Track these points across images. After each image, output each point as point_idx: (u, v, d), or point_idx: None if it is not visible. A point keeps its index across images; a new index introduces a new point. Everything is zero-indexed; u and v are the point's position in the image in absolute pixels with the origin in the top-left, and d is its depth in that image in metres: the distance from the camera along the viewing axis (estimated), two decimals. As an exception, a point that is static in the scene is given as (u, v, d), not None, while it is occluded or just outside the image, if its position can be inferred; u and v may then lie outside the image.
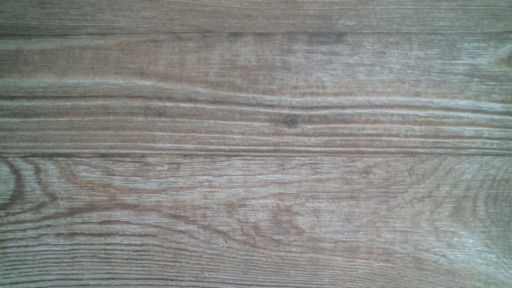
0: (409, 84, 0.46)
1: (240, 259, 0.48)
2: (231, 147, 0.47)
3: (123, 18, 0.47)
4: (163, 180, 0.47)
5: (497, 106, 0.46)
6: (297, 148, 0.47)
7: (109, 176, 0.47)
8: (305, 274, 0.48)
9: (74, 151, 0.47)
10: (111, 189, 0.48)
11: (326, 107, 0.47)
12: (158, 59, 0.47)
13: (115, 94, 0.47)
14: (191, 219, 0.48)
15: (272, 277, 0.48)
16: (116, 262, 0.48)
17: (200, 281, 0.48)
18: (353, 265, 0.47)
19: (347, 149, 0.47)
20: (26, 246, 0.48)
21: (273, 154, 0.47)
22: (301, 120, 0.47)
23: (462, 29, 0.46)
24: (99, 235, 0.48)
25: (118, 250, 0.48)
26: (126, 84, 0.47)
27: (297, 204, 0.47)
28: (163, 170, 0.47)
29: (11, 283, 0.48)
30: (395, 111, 0.46)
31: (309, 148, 0.47)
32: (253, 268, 0.48)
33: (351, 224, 0.47)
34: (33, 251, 0.48)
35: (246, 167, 0.47)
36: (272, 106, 0.47)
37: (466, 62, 0.46)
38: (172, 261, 0.48)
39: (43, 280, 0.48)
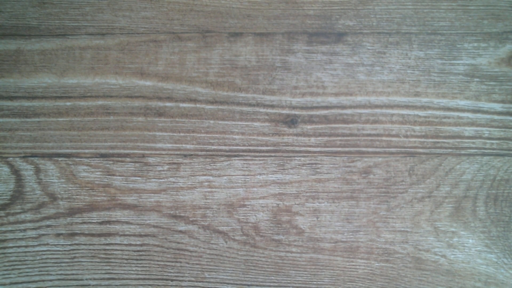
0: (409, 84, 0.46)
1: (240, 259, 0.48)
2: (231, 147, 0.47)
3: (123, 18, 0.47)
4: (163, 180, 0.47)
5: (497, 106, 0.46)
6: (297, 148, 0.47)
7: (109, 176, 0.47)
8: (305, 274, 0.48)
9: (74, 151, 0.47)
10: (111, 189, 0.48)
11: (326, 107, 0.47)
12: (158, 59, 0.47)
13: (115, 94, 0.47)
14: (191, 219, 0.48)
15: (272, 277, 0.48)
16: (116, 262, 0.48)
17: (200, 281, 0.48)
18: (353, 265, 0.47)
19: (347, 149, 0.47)
20: (26, 246, 0.48)
21: (273, 154, 0.47)
22: (301, 120, 0.47)
23: (462, 29, 0.46)
24: (99, 235, 0.48)
25: (118, 250, 0.48)
26: (126, 84, 0.47)
27: (297, 204, 0.47)
28: (163, 170, 0.47)
29: (11, 283, 0.48)
30: (395, 111, 0.46)
31: (309, 148, 0.47)
32: (253, 268, 0.48)
33: (351, 224, 0.47)
34: (33, 251, 0.48)
35: (246, 167, 0.47)
36: (272, 106, 0.47)
37: (466, 62, 0.46)
38: (172, 261, 0.48)
39: (43, 280, 0.48)
